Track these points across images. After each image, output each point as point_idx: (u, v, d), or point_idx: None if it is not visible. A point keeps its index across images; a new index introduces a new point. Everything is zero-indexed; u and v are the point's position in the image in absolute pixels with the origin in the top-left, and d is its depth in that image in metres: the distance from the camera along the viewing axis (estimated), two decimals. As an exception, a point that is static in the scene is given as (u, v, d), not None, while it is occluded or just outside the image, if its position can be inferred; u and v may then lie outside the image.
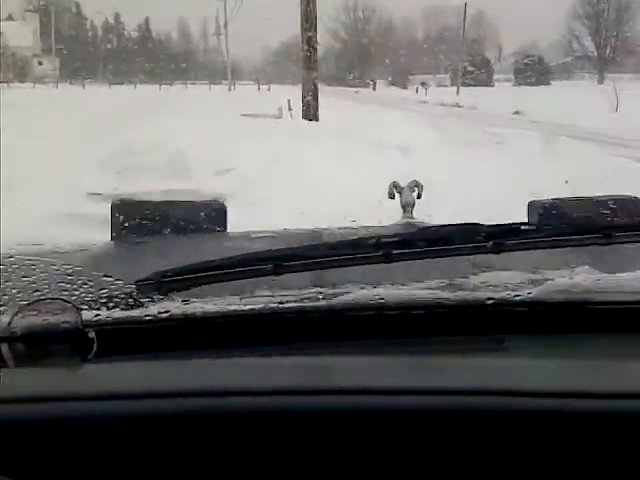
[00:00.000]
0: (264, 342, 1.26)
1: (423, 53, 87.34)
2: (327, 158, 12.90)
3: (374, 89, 67.70)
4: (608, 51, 77.64)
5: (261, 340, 1.26)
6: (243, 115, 21.21)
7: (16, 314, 1.13)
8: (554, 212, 2.21)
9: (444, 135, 18.72)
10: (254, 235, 2.12)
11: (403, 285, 1.38)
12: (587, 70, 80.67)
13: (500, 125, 24.32)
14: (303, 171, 12.04)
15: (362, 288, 1.34)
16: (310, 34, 18.43)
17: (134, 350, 1.21)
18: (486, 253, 1.47)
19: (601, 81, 67.14)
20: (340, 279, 1.42)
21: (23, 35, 77.70)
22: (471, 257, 1.53)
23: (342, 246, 1.50)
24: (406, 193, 2.81)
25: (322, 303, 1.31)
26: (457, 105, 42.12)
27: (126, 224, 2.24)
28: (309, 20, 18.38)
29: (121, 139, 14.47)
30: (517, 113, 33.88)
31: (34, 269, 1.44)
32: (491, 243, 1.45)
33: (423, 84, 57.41)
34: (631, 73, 59.02)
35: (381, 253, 1.41)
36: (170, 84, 62.84)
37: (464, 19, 57.40)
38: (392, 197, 2.88)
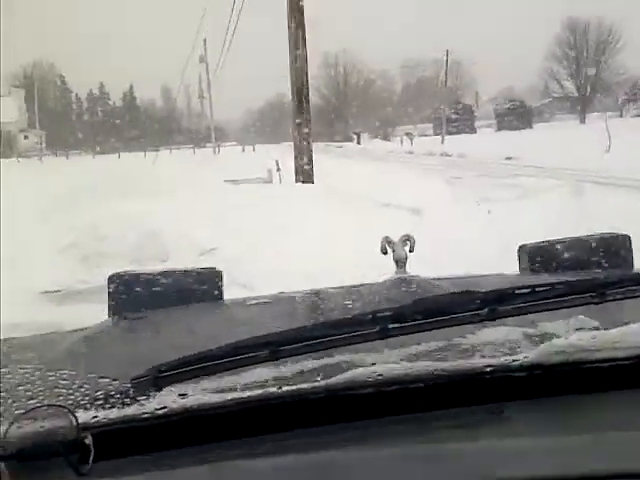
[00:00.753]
0: (265, 430, 1.23)
1: (403, 105, 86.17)
2: (333, 226, 10.93)
3: (358, 142, 65.92)
4: (588, 90, 76.23)
5: (262, 428, 1.23)
6: (227, 181, 19.16)
7: (12, 424, 1.10)
8: (543, 257, 2.41)
9: (453, 190, 16.56)
10: (249, 302, 2.19)
11: (400, 359, 1.36)
12: (567, 111, 79.62)
13: (499, 174, 22.36)
14: (304, 244, 9.98)
15: (360, 366, 1.32)
16: (301, 88, 16.10)
17: (133, 449, 1.18)
18: (481, 321, 1.42)
19: (583, 120, 65.88)
20: (337, 359, 1.39)
21: (9, 110, 77.21)
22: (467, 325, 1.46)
23: (337, 325, 1.42)
24: (398, 248, 2.66)
25: (321, 385, 1.28)
26: (445, 154, 40.28)
27: (122, 297, 2.25)
28: (299, 75, 16.10)
29: (88, 219, 12.06)
30: (509, 159, 32.17)
31: (29, 376, 1.40)
32: (486, 310, 1.40)
33: (408, 134, 55.45)
34: (611, 111, 57.55)
35: (377, 329, 1.36)
36: (156, 150, 61.26)
37: (446, 66, 55.77)
38: (385, 252, 2.70)
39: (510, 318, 1.47)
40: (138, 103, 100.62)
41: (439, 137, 56.25)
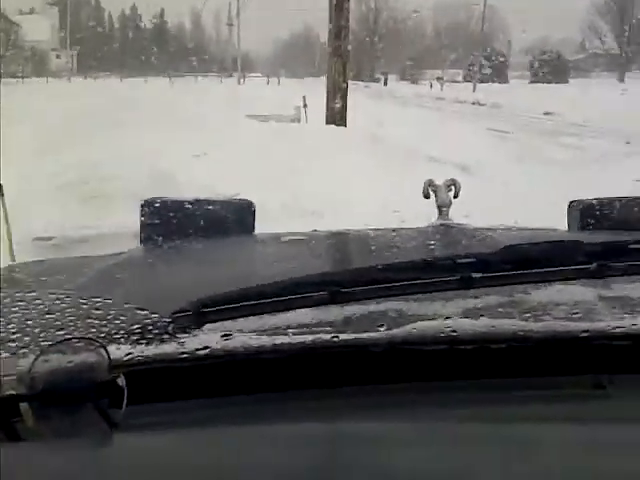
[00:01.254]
0: (318, 383, 1.10)
1: (433, 48, 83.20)
2: (371, 179, 9.48)
3: (385, 84, 63.24)
4: (629, 49, 73.06)
5: (313, 380, 1.10)
6: (250, 116, 16.68)
7: (38, 357, 0.99)
8: (594, 214, 2.21)
9: (507, 147, 14.80)
10: (285, 238, 2.02)
11: (481, 315, 1.18)
12: (603, 68, 76.39)
13: (543, 129, 20.50)
14: (336, 193, 8.64)
15: (431, 319, 1.17)
16: (340, 23, 14.20)
17: (167, 393, 1.08)
18: (588, 277, 1.28)
19: (622, 79, 63.02)
20: (406, 307, 1.25)
21: (41, 29, 75.50)
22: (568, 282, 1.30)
23: (410, 268, 1.27)
24: (442, 192, 2.52)
25: (384, 336, 1.13)
26: (478, 103, 38.18)
27: (155, 224, 2.18)
28: (339, 9, 14.14)
29: (95, 154, 10.45)
30: (548, 114, 30.02)
31: (59, 303, 1.26)
32: (595, 265, 1.25)
33: (438, 79, 52.92)
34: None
35: (457, 277, 1.23)
36: (182, 76, 59.78)
37: (483, 8, 52.90)
38: (427, 196, 2.59)
39: (619, 277, 1.30)
40: (168, 27, 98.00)
41: (469, 84, 54.11)
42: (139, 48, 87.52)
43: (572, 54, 78.90)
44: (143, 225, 2.20)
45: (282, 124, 15.24)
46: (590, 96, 35.18)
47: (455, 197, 2.54)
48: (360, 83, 53.26)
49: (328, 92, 14.60)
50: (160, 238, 2.12)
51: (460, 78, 65.92)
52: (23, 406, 0.96)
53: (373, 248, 2.05)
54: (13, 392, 0.97)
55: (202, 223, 2.19)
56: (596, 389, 1.07)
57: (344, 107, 14.49)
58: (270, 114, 17.17)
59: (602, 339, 1.12)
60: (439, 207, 2.48)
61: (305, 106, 17.63)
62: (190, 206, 2.25)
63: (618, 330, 1.13)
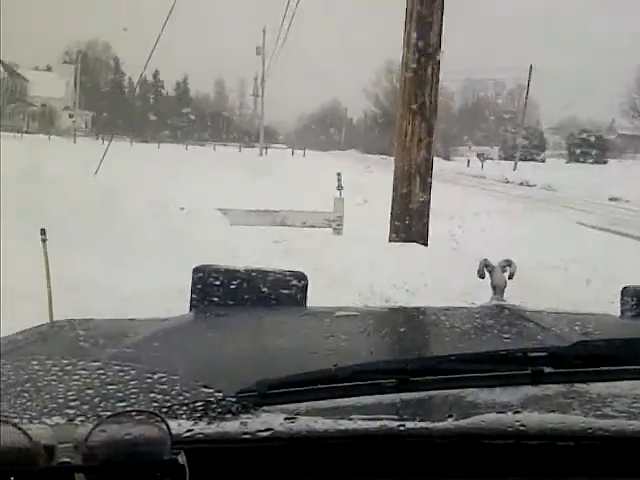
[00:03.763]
0: (382, 472, 1.07)
1: (462, 123, 79.48)
2: None
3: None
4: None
5: (379, 469, 1.07)
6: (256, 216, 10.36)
7: (97, 426, 0.96)
8: None
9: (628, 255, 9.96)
10: (339, 313, 1.98)
11: (551, 410, 1.15)
12: (633, 149, 72.23)
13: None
14: None
15: (501, 412, 1.13)
16: (429, 58, 8.46)
17: (226, 473, 1.07)
18: None
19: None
20: (475, 399, 1.20)
21: (54, 87, 72.79)
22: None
23: (481, 360, 1.27)
24: (497, 273, 2.54)
25: (452, 427, 1.09)
26: (527, 184, 33.72)
27: (206, 291, 2.16)
28: (422, 19, 8.51)
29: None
30: (614, 199, 25.69)
31: (123, 375, 1.24)
32: None
33: (479, 155, 48.58)
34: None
35: (529, 371, 1.22)
36: (202, 144, 56.72)
37: (528, 83, 48.90)
38: (482, 276, 2.59)
39: None
40: (191, 95, 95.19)
41: (506, 162, 50.02)
42: (157, 114, 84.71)
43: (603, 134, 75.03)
44: (193, 290, 2.18)
45: (315, 243, 8.77)
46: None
47: (510, 278, 2.52)
48: (388, 157, 49.01)
49: (396, 178, 8.80)
50: (210, 304, 2.10)
51: (494, 155, 61.64)
52: (79, 477, 0.94)
53: (435, 330, 1.99)
54: (69, 460, 0.94)
55: (253, 293, 2.15)
56: None
57: (425, 208, 8.62)
58: (296, 214, 10.65)
59: None
60: (494, 287, 2.46)
61: (340, 188, 11.14)
62: (242, 275, 2.22)
63: None
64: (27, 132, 53.75)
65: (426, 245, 8.53)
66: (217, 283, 2.16)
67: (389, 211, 8.84)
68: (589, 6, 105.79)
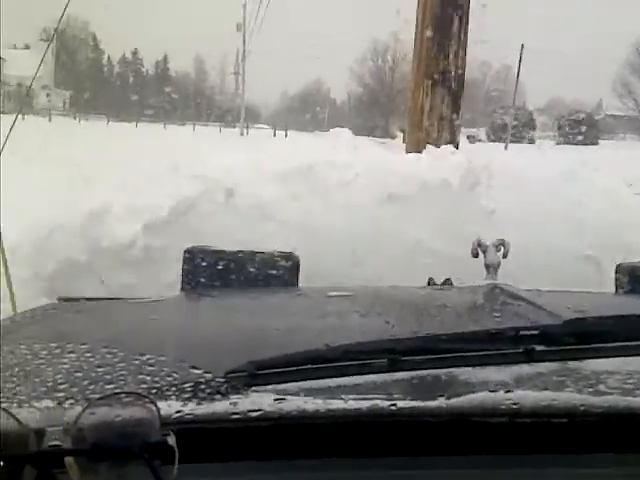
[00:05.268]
0: (373, 451, 1.05)
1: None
2: None
3: (404, 140, 56.98)
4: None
5: (370, 448, 1.06)
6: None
7: (85, 409, 0.96)
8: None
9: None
10: (333, 294, 1.90)
11: (544, 388, 1.15)
12: (622, 130, 71.05)
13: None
14: None
15: (493, 390, 1.12)
16: (450, 25, 6.40)
17: (216, 454, 1.04)
18: None
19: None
20: (467, 378, 1.21)
21: (30, 64, 70.45)
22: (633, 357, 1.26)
23: (472, 339, 1.26)
24: (491, 252, 2.55)
25: (443, 406, 1.08)
26: (521, 167, 31.87)
27: (197, 273, 2.15)
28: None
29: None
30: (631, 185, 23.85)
31: (111, 358, 1.26)
32: None
33: (470, 137, 46.72)
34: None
35: (520, 349, 1.22)
36: (183, 124, 55.07)
37: (519, 63, 46.93)
38: (475, 255, 2.63)
39: None
40: (171, 73, 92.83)
41: (494, 144, 48.24)
42: (137, 93, 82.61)
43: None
44: (185, 272, 2.19)
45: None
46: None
47: (504, 257, 2.58)
48: (375, 139, 47.24)
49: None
50: (201, 285, 2.09)
51: (483, 137, 59.76)
52: (68, 459, 0.93)
53: (428, 309, 1.95)
54: (59, 444, 0.94)
55: (245, 274, 2.16)
56: None
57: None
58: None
59: None
60: (487, 267, 2.48)
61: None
62: (233, 256, 2.23)
63: None
64: (3, 112, 51.75)
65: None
66: (208, 265, 2.18)
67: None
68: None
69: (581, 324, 1.32)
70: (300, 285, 2.23)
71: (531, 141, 59.01)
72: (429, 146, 6.46)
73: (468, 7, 6.77)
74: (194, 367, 1.19)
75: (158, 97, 79.04)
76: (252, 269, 2.20)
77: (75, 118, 58.96)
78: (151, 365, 1.21)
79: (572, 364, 1.24)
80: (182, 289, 2.16)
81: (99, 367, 1.21)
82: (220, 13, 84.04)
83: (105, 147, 16.95)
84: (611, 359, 1.25)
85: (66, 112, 65.43)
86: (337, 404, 1.07)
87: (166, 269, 4.22)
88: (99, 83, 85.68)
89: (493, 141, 52.89)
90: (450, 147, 6.34)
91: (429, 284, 2.66)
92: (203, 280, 2.15)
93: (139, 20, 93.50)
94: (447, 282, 2.66)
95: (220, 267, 2.18)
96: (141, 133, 36.65)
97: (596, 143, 56.31)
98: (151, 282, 4.40)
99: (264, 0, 35.70)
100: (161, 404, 0.99)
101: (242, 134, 46.89)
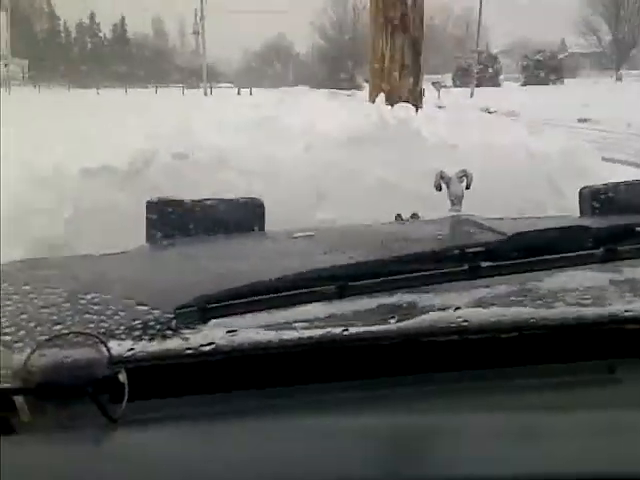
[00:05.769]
0: (327, 377, 1.06)
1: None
2: None
3: (369, 91, 56.61)
4: (624, 46, 67.46)
5: (323, 374, 1.06)
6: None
7: (34, 351, 0.95)
8: (604, 199, 2.21)
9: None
10: (295, 235, 1.90)
11: (491, 304, 1.16)
12: (588, 67, 71.12)
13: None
14: None
15: (441, 309, 1.14)
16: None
17: (170, 390, 1.03)
18: (597, 262, 1.24)
19: (620, 78, 57.15)
20: (415, 299, 1.22)
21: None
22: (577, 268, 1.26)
23: (418, 260, 1.25)
24: (454, 184, 2.54)
25: (394, 328, 1.10)
26: (487, 111, 31.72)
27: (161, 224, 2.17)
28: None
29: None
30: (584, 121, 24.19)
31: (56, 298, 1.25)
32: (603, 250, 1.23)
33: (435, 84, 46.13)
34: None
35: (465, 267, 1.21)
36: (145, 87, 54.39)
37: (480, 4, 46.61)
38: (439, 188, 2.63)
39: (628, 261, 1.28)
40: (129, 36, 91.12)
41: (461, 89, 48.00)
42: (96, 58, 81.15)
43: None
44: (149, 224, 2.17)
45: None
46: (609, 98, 30.19)
47: (467, 188, 2.58)
48: (340, 91, 46.76)
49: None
50: (165, 237, 2.09)
51: (449, 83, 59.41)
52: (18, 400, 0.93)
53: (383, 241, 1.91)
54: (8, 385, 0.94)
55: (209, 222, 2.15)
56: (608, 374, 1.05)
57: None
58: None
59: (613, 324, 1.10)
60: (451, 199, 2.48)
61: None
62: (197, 205, 2.22)
63: (628, 314, 1.11)
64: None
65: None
66: (171, 215, 2.16)
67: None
68: None
69: (524, 238, 1.31)
70: (266, 230, 2.22)
71: (496, 84, 58.79)
72: (391, 95, 6.30)
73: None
74: (140, 304, 1.18)
75: (118, 61, 77.70)
76: (216, 216, 2.19)
77: (35, 87, 57.99)
78: (96, 304, 1.20)
79: (518, 278, 1.25)
80: (147, 240, 2.15)
81: (44, 307, 1.20)
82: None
83: (64, 114, 16.66)
84: (557, 271, 1.26)
85: (25, 82, 64.29)
86: (289, 334, 1.07)
87: (129, 224, 4.13)
88: (57, 50, 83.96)
89: (459, 86, 52.62)
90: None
91: (396, 220, 2.65)
92: (167, 230, 2.12)
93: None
94: (414, 217, 2.64)
95: (184, 216, 2.17)
96: (102, 98, 36.07)
97: (561, 82, 56.32)
98: (116, 237, 4.32)
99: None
100: (112, 343, 1.00)
101: (206, 94, 46.35)
